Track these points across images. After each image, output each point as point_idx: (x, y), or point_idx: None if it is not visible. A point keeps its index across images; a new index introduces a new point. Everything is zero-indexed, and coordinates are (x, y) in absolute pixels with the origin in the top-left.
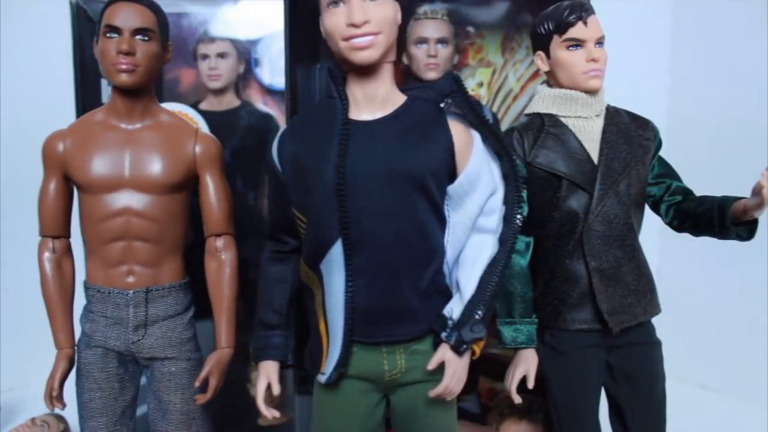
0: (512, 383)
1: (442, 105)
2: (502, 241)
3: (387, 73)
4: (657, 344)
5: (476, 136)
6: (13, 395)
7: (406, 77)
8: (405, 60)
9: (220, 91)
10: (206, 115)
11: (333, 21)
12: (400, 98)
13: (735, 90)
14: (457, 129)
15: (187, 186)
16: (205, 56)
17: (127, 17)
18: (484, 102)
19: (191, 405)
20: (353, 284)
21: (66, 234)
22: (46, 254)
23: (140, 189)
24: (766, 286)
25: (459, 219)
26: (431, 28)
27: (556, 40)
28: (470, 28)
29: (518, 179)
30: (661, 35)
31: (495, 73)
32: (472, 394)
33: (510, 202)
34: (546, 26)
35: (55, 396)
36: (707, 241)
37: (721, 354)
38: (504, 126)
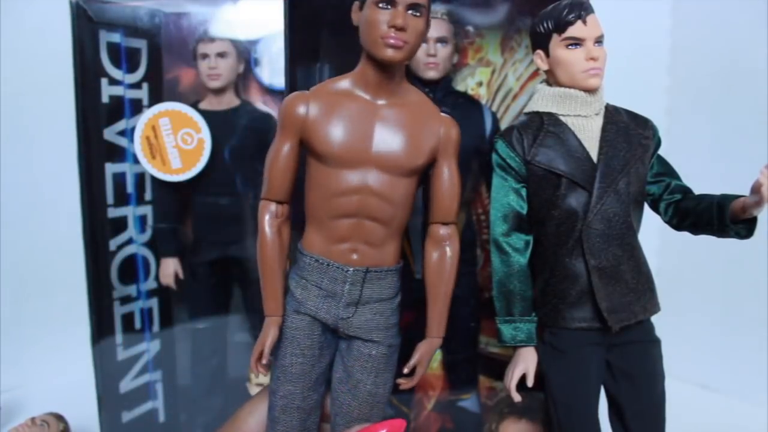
0: (512, 382)
1: None
2: None
3: None
4: (656, 343)
5: None
6: (13, 395)
7: (405, 77)
8: None
9: (219, 91)
10: (206, 114)
11: None
12: None
13: (735, 89)
14: None
15: (423, 170)
16: (204, 56)
17: None
18: (483, 101)
19: (380, 388)
20: None
21: (289, 200)
22: (268, 218)
23: (383, 169)
24: (766, 286)
25: None
26: (431, 27)
27: (555, 38)
28: (470, 28)
29: None
30: (660, 35)
31: (494, 72)
32: (472, 393)
33: None
34: (545, 25)
35: (264, 363)
36: (707, 240)
37: (721, 354)
38: (503, 125)
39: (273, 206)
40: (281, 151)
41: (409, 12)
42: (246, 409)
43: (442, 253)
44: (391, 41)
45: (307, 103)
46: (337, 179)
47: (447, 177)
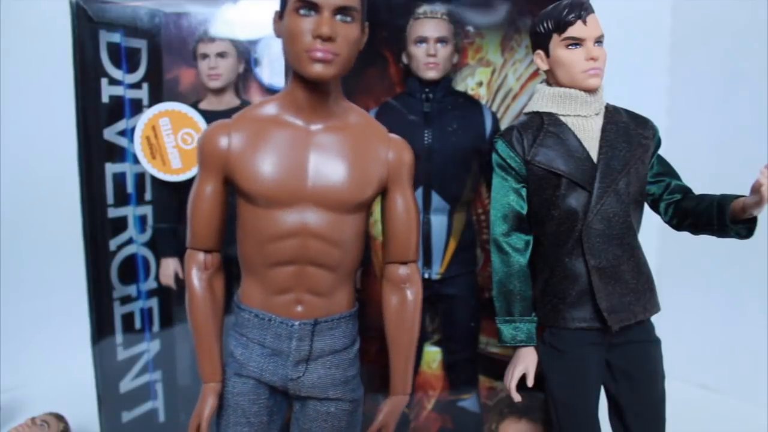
0: (512, 382)
1: None
2: None
3: None
4: (656, 343)
5: None
6: (13, 395)
7: (406, 77)
8: (405, 59)
9: (219, 91)
10: (206, 114)
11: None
12: None
13: (735, 90)
14: None
15: (372, 202)
16: (204, 56)
17: None
18: (483, 101)
19: None
20: None
21: (219, 248)
22: (195, 270)
23: (323, 206)
24: (766, 286)
25: None
26: (431, 27)
27: (555, 38)
28: (470, 28)
29: None
30: (660, 35)
31: (494, 72)
32: (472, 393)
33: None
34: (545, 25)
35: None
36: (707, 241)
37: (721, 354)
38: (503, 125)
39: (201, 256)
40: (204, 194)
41: (338, 18)
42: None
43: (402, 299)
44: (318, 54)
45: (228, 135)
46: (271, 222)
47: (402, 210)
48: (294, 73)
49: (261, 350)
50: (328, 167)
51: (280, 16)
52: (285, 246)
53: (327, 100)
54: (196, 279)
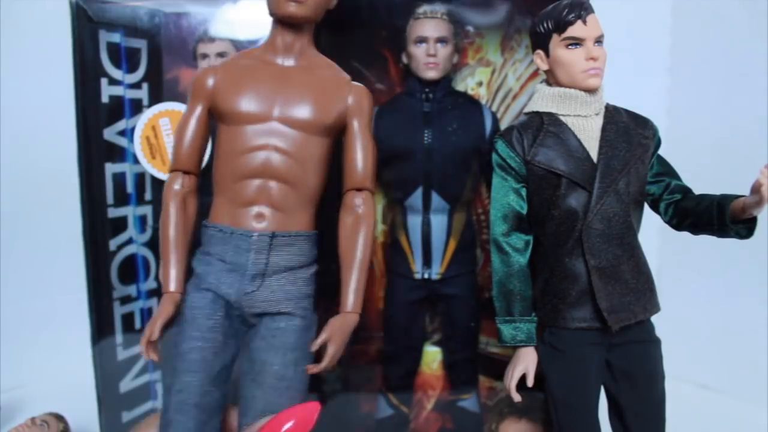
0: (512, 382)
1: None
2: None
3: None
4: (656, 343)
5: None
6: (13, 395)
7: (406, 77)
8: (405, 59)
9: None
10: None
11: None
12: None
13: (735, 90)
14: None
15: (334, 133)
16: (204, 56)
17: None
18: (483, 101)
19: (290, 370)
20: None
21: (196, 172)
22: (175, 188)
23: (288, 125)
24: (766, 286)
25: None
26: (431, 27)
27: (555, 38)
28: (470, 28)
29: None
30: (660, 35)
31: (494, 72)
32: (472, 393)
33: None
34: (545, 25)
35: (154, 340)
36: (707, 241)
37: (721, 354)
38: (503, 125)
39: (179, 176)
40: (190, 121)
41: None
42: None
43: (356, 218)
44: None
45: (215, 75)
46: (242, 137)
47: (358, 141)
48: (274, 22)
49: (221, 265)
50: (293, 93)
51: None
52: (252, 159)
53: (299, 42)
54: (172, 195)
